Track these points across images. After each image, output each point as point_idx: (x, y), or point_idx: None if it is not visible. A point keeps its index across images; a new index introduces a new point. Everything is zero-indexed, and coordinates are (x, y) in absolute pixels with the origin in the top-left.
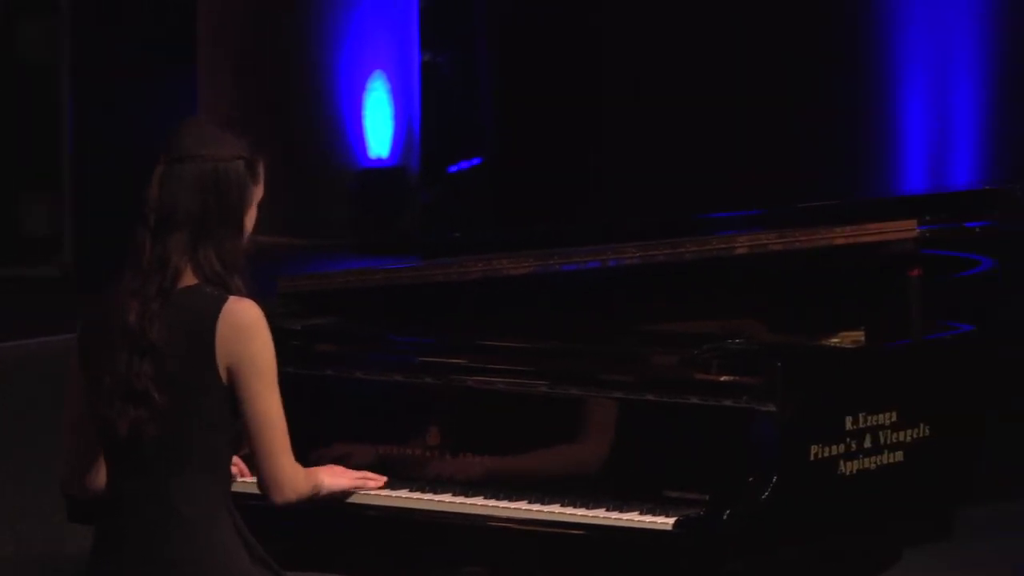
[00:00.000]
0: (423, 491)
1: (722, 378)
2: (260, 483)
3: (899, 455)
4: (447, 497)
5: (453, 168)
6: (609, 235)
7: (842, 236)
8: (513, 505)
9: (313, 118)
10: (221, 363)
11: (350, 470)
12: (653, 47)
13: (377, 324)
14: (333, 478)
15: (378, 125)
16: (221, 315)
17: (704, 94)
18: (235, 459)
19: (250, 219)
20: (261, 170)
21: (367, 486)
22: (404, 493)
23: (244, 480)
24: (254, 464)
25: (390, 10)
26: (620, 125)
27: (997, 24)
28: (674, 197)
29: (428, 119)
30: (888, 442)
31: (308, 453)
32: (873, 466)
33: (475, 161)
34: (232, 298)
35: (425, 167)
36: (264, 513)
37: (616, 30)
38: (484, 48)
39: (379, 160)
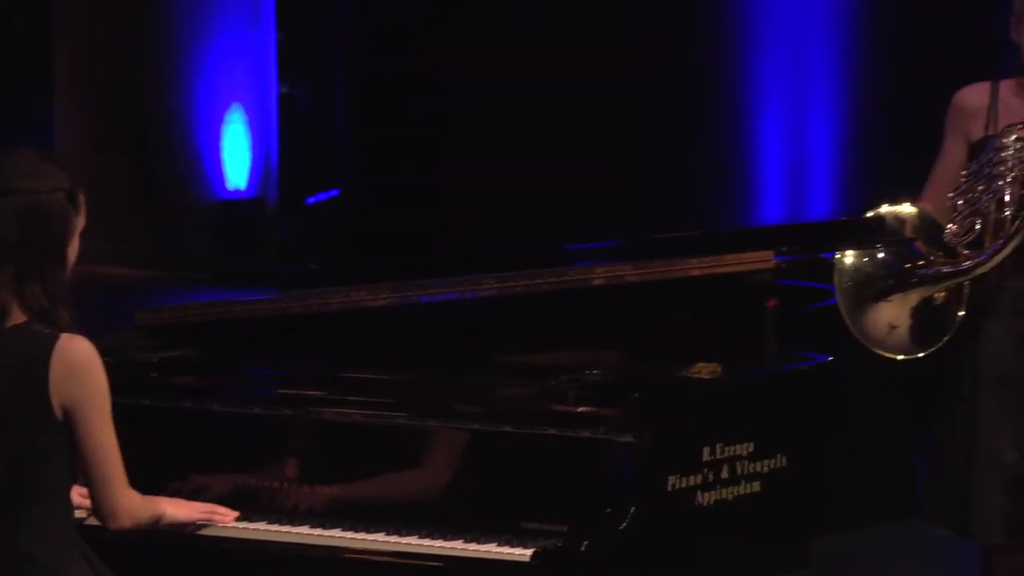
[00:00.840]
0: (281, 523)
1: (579, 409)
2: (97, 511)
3: (756, 485)
4: (305, 529)
5: (311, 200)
6: (467, 266)
7: (699, 267)
8: (371, 537)
9: (171, 150)
10: (56, 402)
11: (196, 502)
12: (505, 77)
13: (235, 356)
14: (176, 508)
15: (236, 157)
16: (54, 355)
17: (559, 125)
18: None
19: (72, 250)
20: (82, 200)
21: (214, 519)
22: (262, 525)
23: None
24: (91, 494)
25: (248, 43)
26: (474, 157)
27: (852, 58)
28: (531, 228)
29: (286, 151)
30: (745, 472)
31: (166, 485)
32: (731, 496)
33: (333, 193)
34: (64, 336)
35: (283, 199)
36: (120, 546)
37: (468, 59)
38: (341, 81)
39: (237, 192)
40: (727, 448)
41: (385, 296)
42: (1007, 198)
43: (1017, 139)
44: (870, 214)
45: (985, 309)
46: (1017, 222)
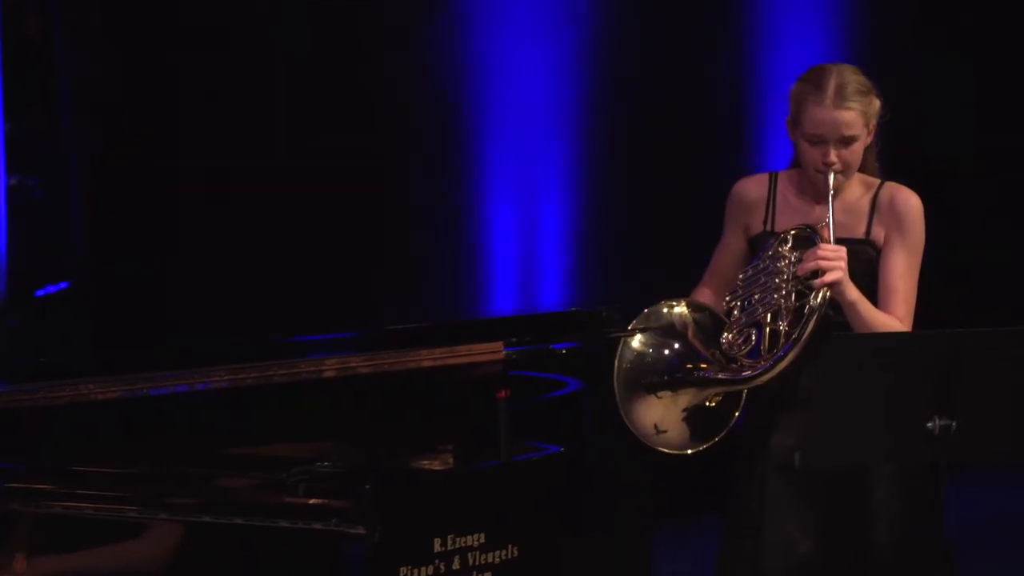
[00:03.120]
0: None
1: (311, 501)
2: None
3: None
4: None
5: (41, 292)
6: (199, 358)
7: (430, 359)
8: None
9: None
10: None
11: None
12: (236, 165)
13: None
14: None
15: None
16: None
17: (293, 215)
18: None
19: None
20: None
21: None
22: None
23: None
24: None
25: None
26: (206, 247)
27: (580, 151)
28: (266, 319)
29: (14, 242)
30: (477, 563)
31: None
32: None
33: (63, 285)
34: None
35: (11, 291)
36: None
37: (198, 148)
38: (75, 171)
39: None
40: (459, 539)
41: (115, 389)
42: (783, 311)
43: (791, 249)
44: (648, 309)
45: (769, 401)
46: (795, 335)
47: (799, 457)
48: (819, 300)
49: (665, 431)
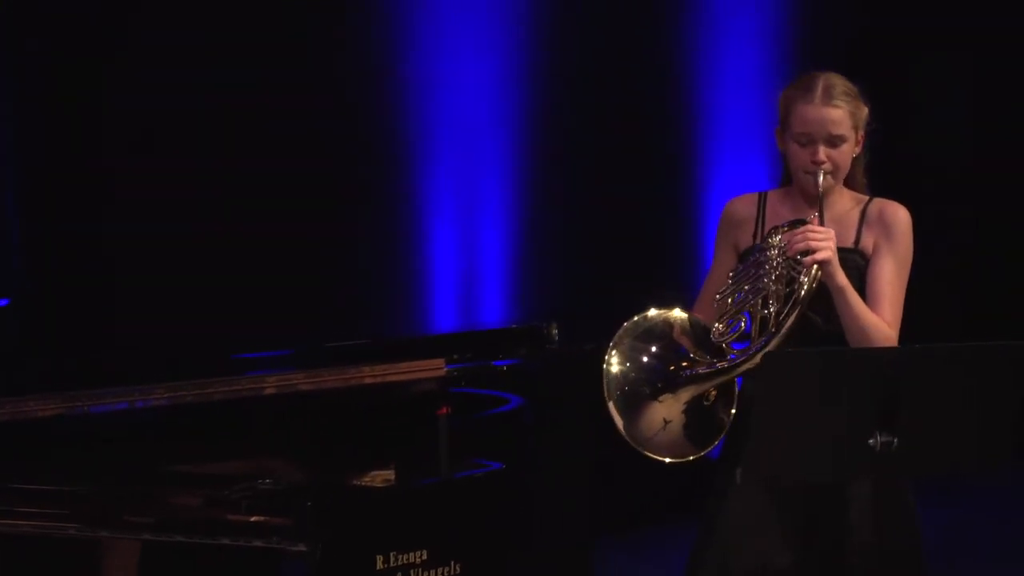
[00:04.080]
0: None
1: (252, 518)
2: None
3: None
4: None
5: None
6: (139, 375)
7: (372, 375)
8: None
9: None
10: None
11: None
12: (169, 180)
13: None
14: None
15: None
16: None
17: (231, 232)
18: None
19: None
20: None
21: None
22: None
23: None
24: None
25: None
26: (142, 262)
27: (520, 168)
28: (205, 338)
29: None
30: None
31: None
32: None
33: (3, 302)
34: None
35: None
36: None
37: (132, 171)
38: (11, 190)
39: None
40: (401, 556)
41: (55, 407)
42: (772, 295)
43: (781, 239)
44: (638, 316)
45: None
46: (781, 317)
47: (740, 474)
48: (809, 279)
49: (671, 433)
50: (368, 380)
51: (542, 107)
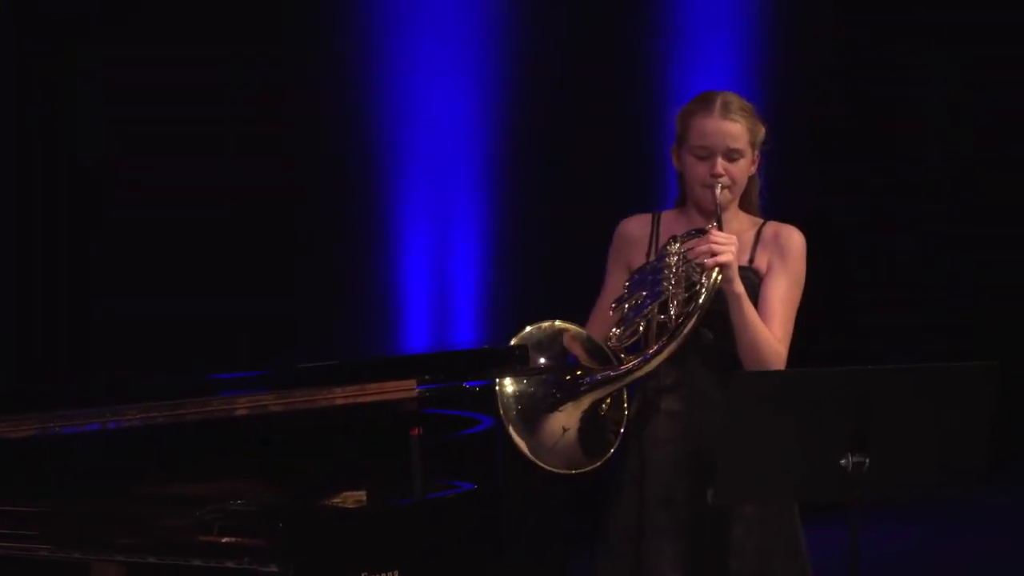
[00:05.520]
0: None
1: (224, 540)
2: None
3: None
4: None
5: None
6: (110, 396)
7: (342, 396)
8: None
9: None
10: None
11: None
12: (154, 200)
13: None
14: None
15: None
16: None
17: (204, 250)
18: None
19: None
20: None
21: None
22: None
23: None
24: None
25: None
26: (120, 281)
27: (494, 187)
28: (175, 358)
29: None
30: None
31: None
32: None
33: None
34: None
35: None
36: None
37: (122, 184)
38: None
39: None
40: None
41: (27, 427)
42: (671, 302)
43: (680, 246)
44: (523, 331)
45: (643, 433)
46: (680, 321)
47: (711, 495)
48: (710, 281)
49: (570, 444)
50: (340, 401)
51: (515, 127)
